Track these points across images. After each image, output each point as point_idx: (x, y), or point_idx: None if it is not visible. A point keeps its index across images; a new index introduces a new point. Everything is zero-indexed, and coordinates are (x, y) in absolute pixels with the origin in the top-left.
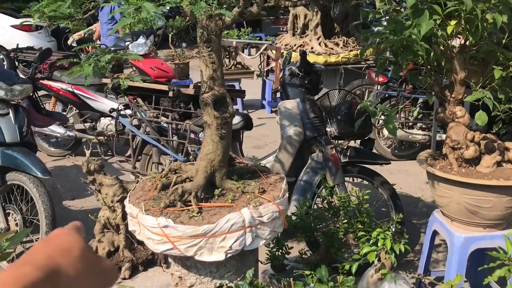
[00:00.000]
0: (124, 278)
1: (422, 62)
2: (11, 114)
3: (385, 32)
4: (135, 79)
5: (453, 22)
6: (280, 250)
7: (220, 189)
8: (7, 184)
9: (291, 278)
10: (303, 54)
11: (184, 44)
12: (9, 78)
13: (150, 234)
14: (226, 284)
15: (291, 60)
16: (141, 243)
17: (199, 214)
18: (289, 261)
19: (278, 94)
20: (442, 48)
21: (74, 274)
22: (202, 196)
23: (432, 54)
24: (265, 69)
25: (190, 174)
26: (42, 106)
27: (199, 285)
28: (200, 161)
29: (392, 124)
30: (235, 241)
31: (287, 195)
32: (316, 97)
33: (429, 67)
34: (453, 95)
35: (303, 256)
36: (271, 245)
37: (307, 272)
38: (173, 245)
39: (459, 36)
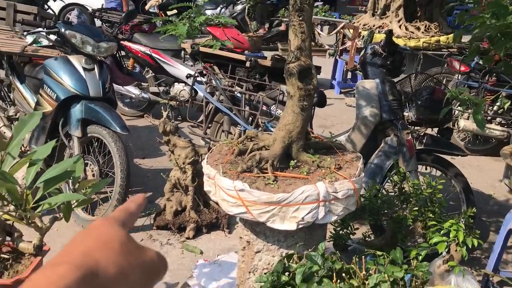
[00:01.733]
0: (188, 238)
1: None
2: (96, 70)
3: (483, 15)
4: (215, 47)
5: None
6: (345, 230)
7: (295, 161)
8: (87, 136)
9: (363, 256)
10: (389, 33)
11: (254, 22)
12: (97, 35)
13: (226, 196)
14: (297, 254)
15: (372, 41)
16: (207, 206)
17: (274, 182)
18: (352, 242)
19: (349, 75)
20: None
21: (115, 270)
22: (277, 166)
23: None
24: (340, 48)
25: (267, 143)
26: (124, 66)
27: (265, 252)
28: (279, 131)
29: (480, 115)
30: (308, 213)
31: (363, 174)
32: (396, 80)
33: None
34: None
35: (367, 239)
36: (336, 224)
37: (379, 253)
38: (247, 209)
39: None
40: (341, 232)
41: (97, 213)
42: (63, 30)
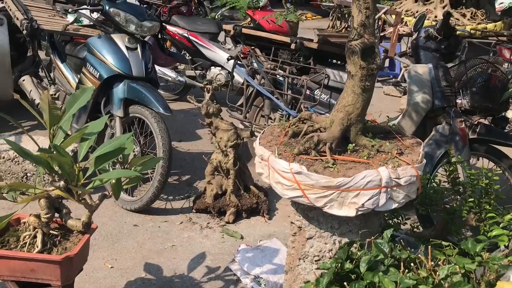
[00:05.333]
0: (228, 222)
1: None
2: (139, 49)
3: None
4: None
5: None
6: (395, 219)
7: (353, 145)
8: (129, 116)
9: (429, 246)
10: (447, 16)
11: (289, 5)
12: (141, 14)
13: (281, 179)
14: (358, 240)
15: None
16: (247, 190)
17: (334, 165)
18: (400, 233)
19: (387, 63)
20: None
21: None
22: (335, 149)
23: None
24: (380, 35)
25: (324, 125)
26: (166, 47)
27: (317, 238)
28: (337, 112)
29: None
30: (368, 199)
31: (425, 161)
32: (450, 65)
33: None
34: None
35: (415, 230)
36: (386, 213)
37: (445, 243)
38: (303, 193)
39: None
40: (390, 221)
41: (137, 194)
42: (107, 7)
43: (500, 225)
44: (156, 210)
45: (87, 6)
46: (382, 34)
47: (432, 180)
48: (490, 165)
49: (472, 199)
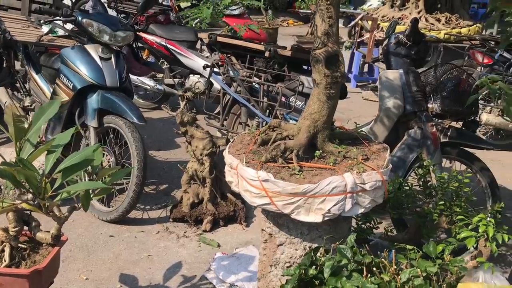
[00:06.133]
0: (205, 231)
1: None
2: (113, 59)
3: None
4: (240, 30)
5: None
6: (367, 224)
7: (320, 151)
8: (103, 126)
9: (393, 250)
10: (415, 22)
11: (269, 11)
12: (114, 24)
13: (249, 187)
14: (324, 247)
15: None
16: (224, 198)
17: (300, 172)
18: (374, 237)
19: (366, 68)
20: None
21: None
22: (302, 156)
23: None
24: (357, 41)
25: (291, 133)
26: (140, 56)
27: (288, 245)
28: (304, 120)
29: None
30: (334, 205)
31: (390, 166)
32: (420, 70)
33: None
34: None
35: (389, 233)
36: (359, 217)
37: (409, 247)
38: (271, 200)
39: None
40: (363, 226)
41: (113, 204)
42: (80, 18)
43: (469, 227)
44: (132, 220)
45: (60, 17)
46: (359, 40)
47: (405, 184)
48: (462, 168)
49: (443, 202)
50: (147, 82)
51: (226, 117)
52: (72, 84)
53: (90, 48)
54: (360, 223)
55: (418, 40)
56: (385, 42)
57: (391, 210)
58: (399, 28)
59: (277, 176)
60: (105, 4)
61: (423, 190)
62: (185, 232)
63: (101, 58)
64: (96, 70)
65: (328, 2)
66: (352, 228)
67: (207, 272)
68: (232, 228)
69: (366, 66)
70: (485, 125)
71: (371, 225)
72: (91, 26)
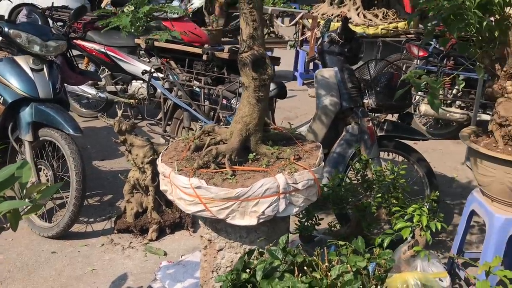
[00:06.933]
0: (151, 240)
1: (473, 32)
2: (45, 70)
3: None
4: (161, 38)
5: None
6: (310, 221)
7: (254, 154)
8: (39, 140)
9: (325, 248)
10: (345, 20)
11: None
12: (45, 33)
13: (182, 195)
14: (258, 249)
15: (330, 29)
16: (169, 205)
17: (232, 177)
18: (318, 233)
19: (311, 66)
20: (498, 17)
21: None
22: (236, 159)
23: (485, 23)
24: (300, 39)
25: (224, 137)
26: (76, 65)
27: (228, 249)
28: (235, 123)
29: (436, 98)
30: (268, 207)
31: (323, 163)
32: (355, 67)
33: (480, 38)
34: (504, 69)
35: (332, 228)
36: (301, 215)
37: (341, 243)
38: (205, 206)
39: None
40: (306, 223)
41: (55, 220)
42: (6, 29)
43: (405, 218)
44: (75, 234)
45: None
46: (302, 38)
47: (344, 179)
48: (401, 160)
49: (380, 194)
50: (88, 90)
51: (170, 122)
52: (2, 98)
53: (20, 59)
54: (303, 220)
55: (349, 37)
56: (319, 41)
57: (332, 205)
58: (339, 25)
59: (209, 182)
60: (40, 12)
61: (361, 184)
62: (130, 242)
63: (32, 69)
64: (28, 82)
65: (251, 6)
66: (296, 225)
67: (153, 282)
68: (179, 235)
69: (311, 63)
70: (424, 115)
71: (313, 222)
72: (19, 37)
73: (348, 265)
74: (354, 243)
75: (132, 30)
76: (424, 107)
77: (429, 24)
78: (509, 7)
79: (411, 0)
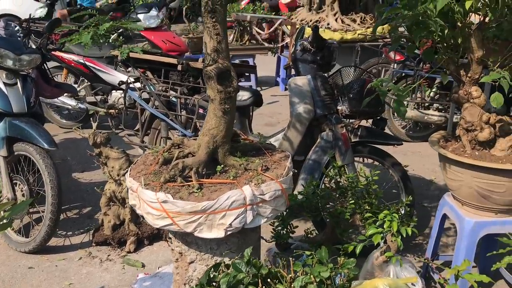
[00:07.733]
0: (129, 252)
1: (438, 39)
2: (19, 84)
3: (399, 7)
4: (135, 50)
5: None
6: (285, 229)
7: (222, 166)
8: (14, 155)
9: (291, 258)
10: (315, 29)
11: (200, 19)
12: (17, 47)
13: (150, 209)
14: (224, 262)
15: (304, 35)
16: None
17: (199, 190)
18: (294, 240)
19: (293, 71)
20: (460, 25)
21: None
22: (203, 172)
23: (447, 31)
24: (280, 45)
25: (192, 150)
26: (51, 77)
27: (199, 262)
28: (203, 136)
29: (402, 105)
30: (235, 219)
31: (291, 173)
32: (328, 74)
33: (444, 44)
34: (469, 75)
35: (309, 235)
36: (276, 224)
37: (308, 253)
38: (172, 220)
39: (478, 12)
40: (281, 232)
41: (31, 235)
42: None
43: (377, 224)
44: (53, 249)
45: None
46: (282, 44)
47: (320, 186)
48: (373, 165)
49: (353, 201)
50: (68, 102)
51: (149, 132)
52: None
53: None
54: (278, 229)
55: (321, 45)
56: (292, 49)
57: (306, 213)
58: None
59: (176, 196)
60: (18, 25)
61: (335, 190)
62: (108, 255)
63: (5, 84)
64: (1, 97)
65: (214, 20)
66: (272, 234)
67: None
68: (157, 246)
69: (293, 70)
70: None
71: (288, 230)
72: None
73: (312, 276)
74: (318, 253)
75: (95, 47)
76: None
77: (392, 34)
78: (470, 15)
79: (376, 8)
